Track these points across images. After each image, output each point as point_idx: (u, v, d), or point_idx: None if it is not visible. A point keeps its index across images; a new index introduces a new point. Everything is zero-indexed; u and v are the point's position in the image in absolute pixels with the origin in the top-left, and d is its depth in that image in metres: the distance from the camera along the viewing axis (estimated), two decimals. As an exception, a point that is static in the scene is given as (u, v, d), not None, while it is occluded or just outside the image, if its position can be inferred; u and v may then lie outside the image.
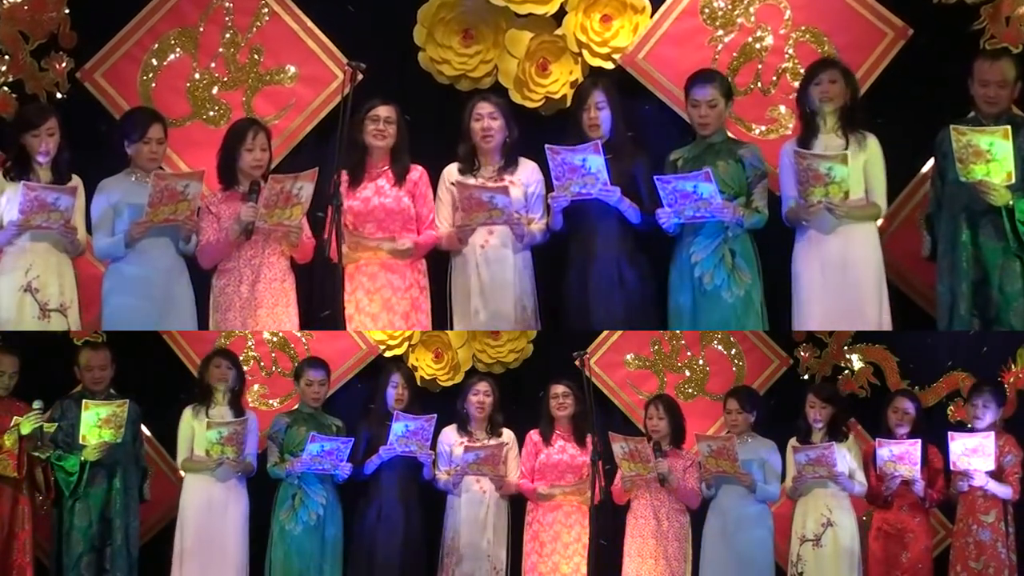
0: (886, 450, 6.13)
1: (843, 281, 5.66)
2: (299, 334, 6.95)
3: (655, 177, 5.64)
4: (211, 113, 6.70)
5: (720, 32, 6.51)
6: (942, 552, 6.56)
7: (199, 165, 6.26)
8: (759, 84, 6.48)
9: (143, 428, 6.64)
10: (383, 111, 5.98)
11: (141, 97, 6.63)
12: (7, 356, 6.18)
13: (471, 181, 5.99)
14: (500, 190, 5.73)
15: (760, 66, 6.48)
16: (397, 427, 6.21)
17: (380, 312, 6.02)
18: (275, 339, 7.11)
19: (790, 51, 6.46)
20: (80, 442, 5.99)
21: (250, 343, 7.11)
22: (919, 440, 6.12)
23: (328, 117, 6.56)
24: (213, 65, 6.72)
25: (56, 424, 6.07)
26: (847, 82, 5.73)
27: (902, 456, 6.10)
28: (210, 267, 5.91)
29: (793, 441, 6.38)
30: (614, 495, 6.43)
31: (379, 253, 5.98)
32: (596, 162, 5.64)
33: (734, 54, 6.49)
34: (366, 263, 6.00)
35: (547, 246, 6.13)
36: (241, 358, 6.79)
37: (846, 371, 7.06)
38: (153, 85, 6.70)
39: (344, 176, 5.90)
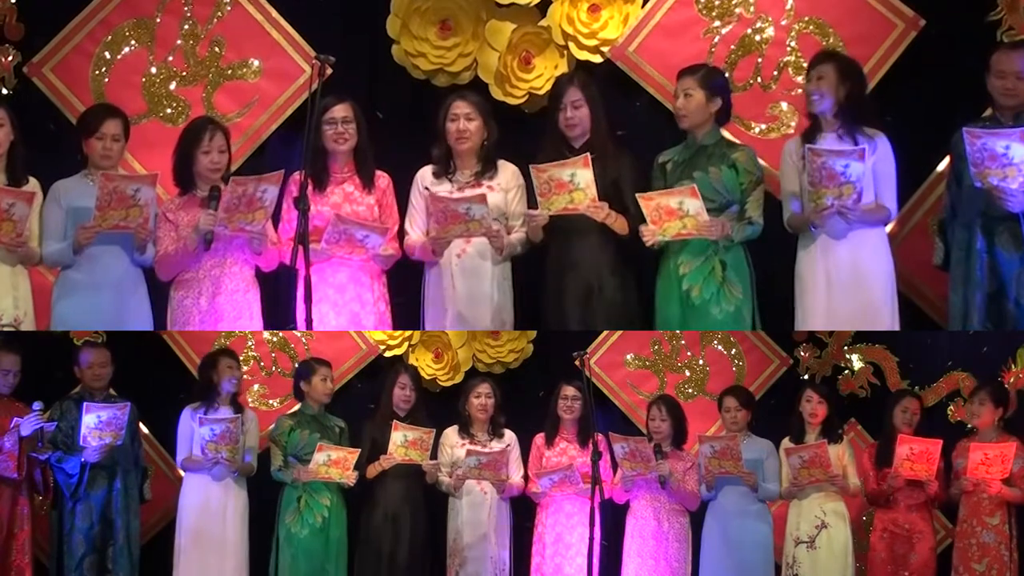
0: (906, 448, 6.05)
1: (852, 291, 5.38)
2: (299, 334, 6.93)
3: (637, 195, 5.40)
4: (168, 110, 6.47)
5: (717, 23, 6.30)
6: (941, 552, 6.49)
7: (155, 166, 6.01)
8: (759, 79, 6.26)
9: (143, 428, 6.61)
10: (339, 111, 5.71)
11: (93, 93, 6.40)
12: (8, 355, 6.08)
13: (445, 189, 5.74)
14: (477, 199, 5.45)
15: (760, 60, 6.26)
16: (396, 436, 6.19)
17: (347, 326, 5.86)
18: (275, 339, 7.05)
19: (792, 44, 6.24)
20: (80, 444, 5.90)
21: (250, 343, 7.03)
22: (940, 441, 6.08)
23: (295, 115, 6.38)
24: (171, 59, 6.49)
25: (56, 425, 5.98)
26: (843, 76, 5.39)
27: (920, 455, 6.03)
28: (169, 279, 5.63)
29: (786, 441, 6.37)
30: (614, 494, 6.43)
31: (352, 258, 5.69)
32: (585, 176, 5.36)
33: (732, 47, 6.28)
34: (332, 273, 5.74)
35: (528, 254, 5.88)
36: (241, 358, 6.69)
37: (846, 371, 7.07)
38: (106, 80, 6.45)
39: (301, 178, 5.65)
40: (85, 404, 5.92)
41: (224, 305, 5.56)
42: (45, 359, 6.50)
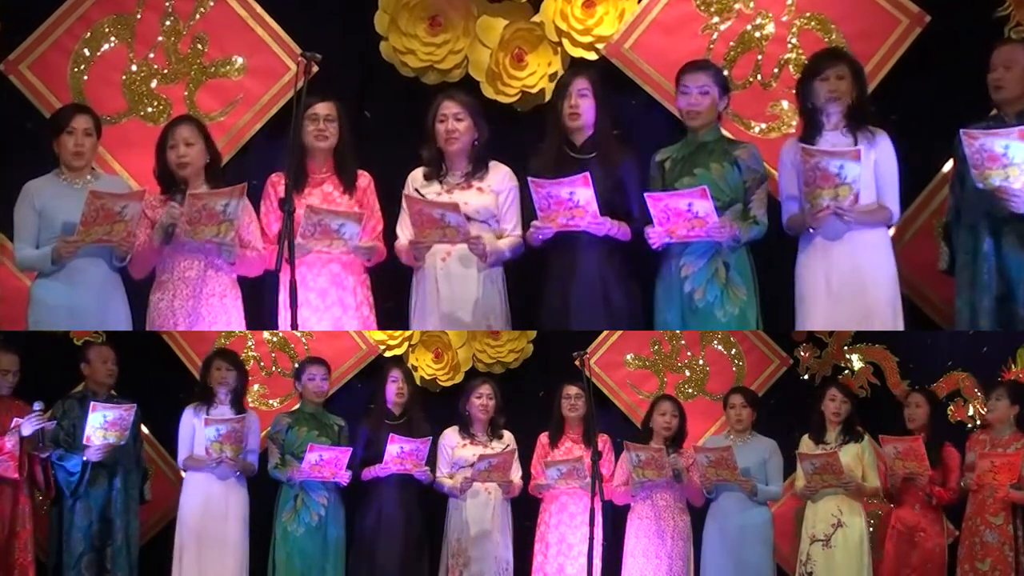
0: (891, 447, 6.11)
1: (853, 296, 5.28)
2: (299, 334, 6.94)
3: (645, 194, 5.28)
4: (149, 109, 6.37)
5: (716, 19, 6.19)
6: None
7: (135, 166, 6.07)
8: (759, 77, 6.16)
9: (143, 428, 6.61)
10: (322, 108, 5.62)
11: (72, 91, 6.32)
12: (7, 355, 6.07)
13: (435, 191, 5.66)
14: (450, 207, 5.36)
15: (760, 57, 6.16)
16: (392, 448, 6.16)
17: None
18: (275, 339, 7.07)
19: (793, 40, 6.13)
20: (84, 443, 5.91)
21: (250, 343, 7.04)
22: (920, 437, 6.10)
23: (280, 113, 6.30)
24: (152, 56, 6.40)
25: (57, 423, 5.98)
26: (855, 77, 5.35)
27: (907, 453, 6.05)
28: (140, 277, 5.61)
29: (805, 440, 6.42)
30: (615, 497, 6.46)
31: (330, 265, 5.66)
32: (585, 195, 5.25)
33: (731, 43, 6.17)
34: (312, 277, 5.65)
35: (525, 257, 5.77)
36: (240, 358, 6.67)
37: (846, 371, 7.06)
38: (85, 78, 6.36)
39: (280, 179, 5.67)
40: (92, 403, 5.91)
41: (201, 310, 5.50)
42: (44, 359, 6.47)
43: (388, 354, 6.90)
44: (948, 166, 5.70)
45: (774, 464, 6.37)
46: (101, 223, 5.18)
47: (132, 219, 5.26)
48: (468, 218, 5.43)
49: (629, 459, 6.24)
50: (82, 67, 6.32)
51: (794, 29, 6.09)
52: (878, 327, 5.43)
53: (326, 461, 6.13)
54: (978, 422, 6.53)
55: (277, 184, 5.65)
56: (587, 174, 5.21)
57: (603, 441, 6.46)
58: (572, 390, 6.46)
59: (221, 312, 5.53)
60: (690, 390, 7.08)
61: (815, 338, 7.03)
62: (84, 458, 5.92)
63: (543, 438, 6.58)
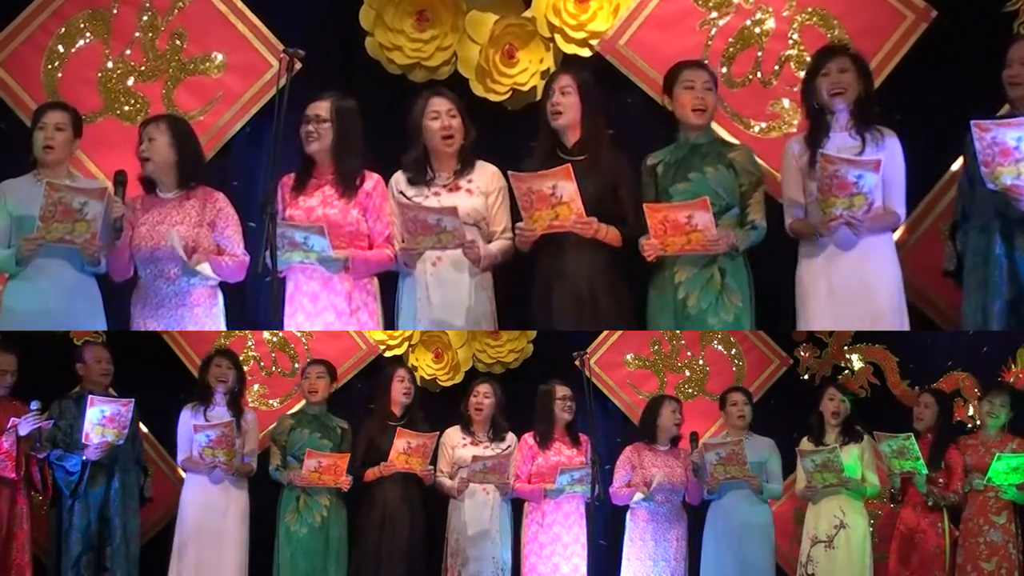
0: (885, 446, 6.09)
1: (857, 302, 5.18)
2: (299, 334, 6.97)
3: (644, 205, 5.16)
4: (126, 108, 6.25)
5: (714, 14, 6.07)
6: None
7: (112, 167, 5.82)
8: (759, 74, 6.02)
9: (143, 428, 6.65)
10: (313, 109, 5.47)
11: (45, 89, 6.21)
12: (5, 354, 6.08)
13: (422, 194, 5.51)
14: (448, 212, 5.22)
15: (760, 54, 6.03)
16: (399, 444, 6.18)
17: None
18: (275, 339, 7.09)
19: (795, 36, 6.00)
20: (83, 440, 5.92)
21: (250, 343, 7.07)
22: (911, 435, 6.03)
23: (261, 112, 6.20)
24: (128, 52, 6.28)
25: (54, 423, 5.98)
26: (859, 71, 5.22)
27: (900, 452, 6.03)
28: (119, 279, 5.55)
29: (804, 442, 6.41)
30: (613, 498, 6.48)
31: (308, 263, 5.46)
32: (568, 189, 5.10)
33: (730, 40, 6.05)
34: (305, 280, 5.52)
35: (517, 260, 5.63)
36: (241, 358, 6.69)
37: (846, 371, 7.06)
38: (59, 75, 6.24)
39: (290, 180, 5.53)
40: (89, 398, 5.91)
41: (167, 318, 5.44)
42: (42, 359, 6.42)
43: (388, 354, 6.90)
44: (956, 165, 5.59)
45: (774, 463, 6.41)
46: (61, 220, 5.09)
47: (94, 219, 5.14)
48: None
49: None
50: (56, 64, 6.20)
51: (795, 25, 5.97)
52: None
53: (325, 468, 6.14)
54: (978, 422, 6.46)
55: (285, 185, 5.52)
56: (568, 167, 5.08)
57: (584, 442, 6.48)
58: (565, 391, 6.42)
59: (191, 322, 5.46)
60: (690, 390, 7.10)
61: (815, 338, 7.03)
62: (84, 457, 5.91)
63: (528, 439, 6.50)
